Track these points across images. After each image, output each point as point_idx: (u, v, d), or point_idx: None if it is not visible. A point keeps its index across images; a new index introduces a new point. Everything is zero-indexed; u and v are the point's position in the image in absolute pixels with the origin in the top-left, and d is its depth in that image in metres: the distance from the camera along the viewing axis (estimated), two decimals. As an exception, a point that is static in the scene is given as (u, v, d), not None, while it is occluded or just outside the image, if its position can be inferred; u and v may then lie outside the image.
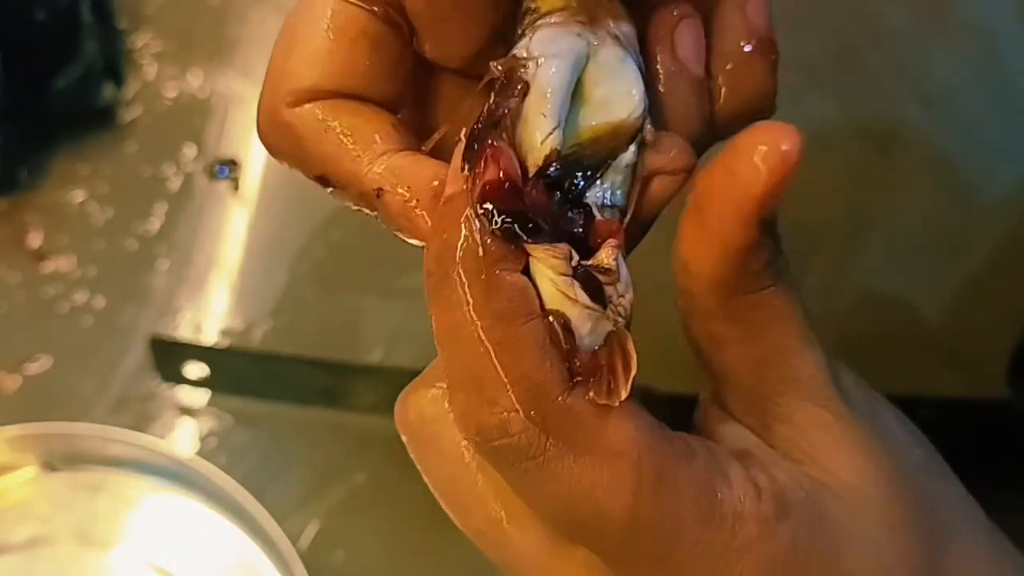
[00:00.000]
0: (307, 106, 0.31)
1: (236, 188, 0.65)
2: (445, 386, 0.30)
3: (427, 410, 0.30)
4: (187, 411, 0.60)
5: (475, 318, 0.27)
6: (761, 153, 0.26)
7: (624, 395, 0.27)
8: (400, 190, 0.29)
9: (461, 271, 0.27)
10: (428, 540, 0.57)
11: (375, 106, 0.31)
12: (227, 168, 0.65)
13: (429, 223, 0.29)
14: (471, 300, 0.27)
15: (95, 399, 0.60)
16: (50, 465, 0.57)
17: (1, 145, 0.62)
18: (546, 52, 0.28)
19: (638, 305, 0.28)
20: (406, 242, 0.30)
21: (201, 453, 0.59)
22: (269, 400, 0.60)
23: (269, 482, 0.58)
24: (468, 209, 0.27)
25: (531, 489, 0.28)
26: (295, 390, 0.59)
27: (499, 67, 0.28)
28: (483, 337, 0.27)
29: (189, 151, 0.66)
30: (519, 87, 0.28)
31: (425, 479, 0.32)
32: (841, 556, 0.29)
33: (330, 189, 0.31)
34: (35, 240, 0.64)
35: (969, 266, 0.65)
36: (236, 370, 0.60)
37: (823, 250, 0.65)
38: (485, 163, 0.27)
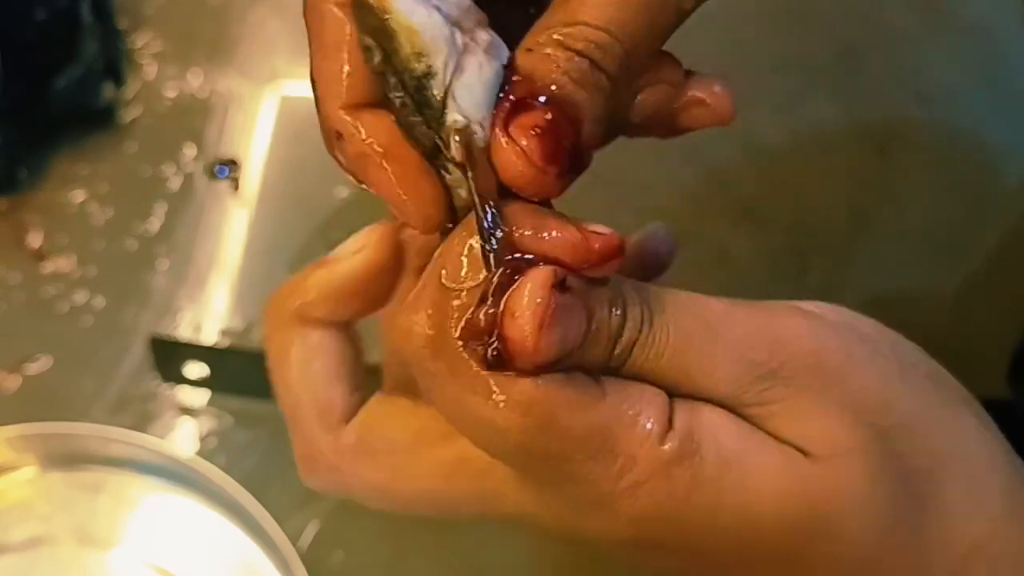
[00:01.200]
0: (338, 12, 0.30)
1: (236, 188, 0.65)
2: None
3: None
4: (187, 411, 0.60)
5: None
6: None
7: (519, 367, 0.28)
8: (356, 143, 0.30)
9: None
10: (427, 540, 0.57)
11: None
12: (227, 168, 0.66)
13: (387, 174, 0.30)
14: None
15: (95, 399, 0.60)
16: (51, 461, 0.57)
17: (1, 145, 0.62)
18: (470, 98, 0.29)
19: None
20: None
21: (201, 453, 0.59)
22: (269, 400, 0.60)
23: (269, 482, 0.58)
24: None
25: (433, 396, 0.30)
26: (295, 390, 0.59)
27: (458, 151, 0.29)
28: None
29: (189, 151, 0.66)
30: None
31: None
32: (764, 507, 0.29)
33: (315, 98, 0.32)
34: (35, 240, 0.64)
35: (969, 266, 0.65)
36: (236, 370, 0.60)
37: (823, 250, 0.65)
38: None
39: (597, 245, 0.28)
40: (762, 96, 0.66)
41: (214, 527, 0.56)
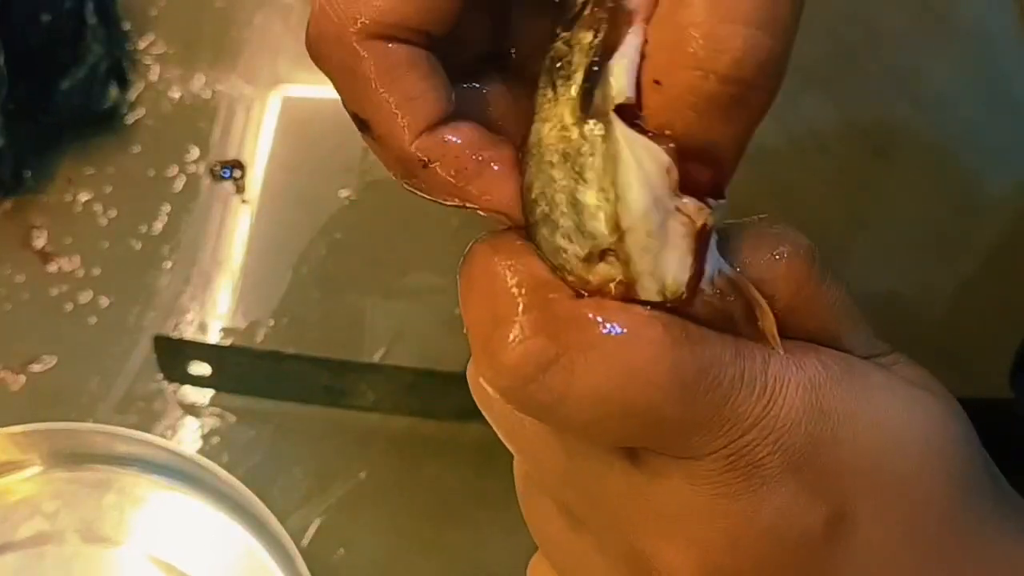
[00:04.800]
0: (378, 43, 0.28)
1: (239, 189, 0.66)
2: None
3: None
4: (191, 409, 0.60)
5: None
6: None
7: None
8: (449, 163, 0.28)
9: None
10: (429, 537, 0.58)
11: (432, 58, 0.29)
12: (230, 169, 0.66)
13: (475, 191, 0.29)
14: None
15: (100, 398, 0.61)
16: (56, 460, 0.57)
17: (6, 146, 0.63)
18: None
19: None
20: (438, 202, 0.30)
21: (204, 451, 0.59)
22: (272, 398, 0.60)
23: (272, 480, 0.58)
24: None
25: (569, 405, 0.27)
26: (298, 389, 0.60)
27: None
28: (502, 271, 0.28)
29: (193, 152, 0.66)
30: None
31: None
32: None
33: (366, 136, 0.29)
34: (40, 240, 0.64)
35: (967, 267, 0.65)
36: (239, 369, 0.61)
37: (820, 251, 0.65)
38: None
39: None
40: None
41: (218, 524, 0.56)
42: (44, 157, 0.65)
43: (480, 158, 0.29)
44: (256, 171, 0.66)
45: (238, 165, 0.66)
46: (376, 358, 0.61)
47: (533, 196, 0.28)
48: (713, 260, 0.28)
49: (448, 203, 0.29)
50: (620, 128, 0.27)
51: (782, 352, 0.28)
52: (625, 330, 0.27)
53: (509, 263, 0.28)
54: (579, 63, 0.27)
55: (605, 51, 0.27)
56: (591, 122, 0.27)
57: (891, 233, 0.66)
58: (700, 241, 0.27)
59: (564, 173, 0.27)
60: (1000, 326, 0.62)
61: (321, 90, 0.68)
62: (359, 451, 0.59)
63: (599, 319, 0.27)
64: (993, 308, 0.64)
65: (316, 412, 0.59)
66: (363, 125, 0.28)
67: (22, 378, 0.61)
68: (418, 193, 0.29)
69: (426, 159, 0.28)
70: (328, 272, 0.63)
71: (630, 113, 0.27)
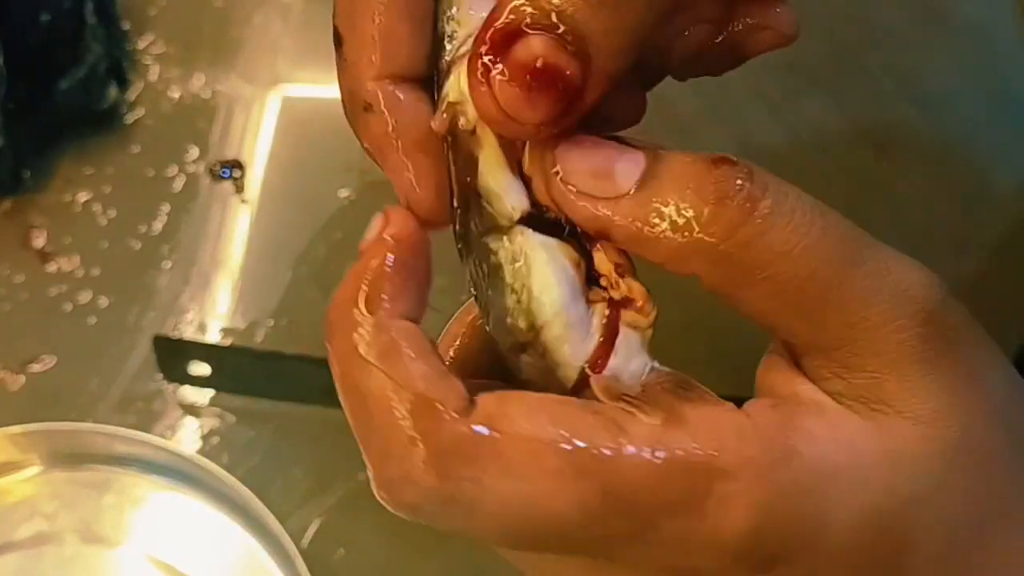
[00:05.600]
0: None
1: (239, 189, 0.66)
2: None
3: None
4: (190, 410, 0.60)
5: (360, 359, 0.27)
6: None
7: None
8: (390, 119, 0.28)
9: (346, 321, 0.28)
10: (429, 538, 0.58)
11: (427, 26, 0.28)
12: (230, 169, 0.66)
13: (396, 162, 0.28)
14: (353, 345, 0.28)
15: (99, 398, 0.60)
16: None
17: (6, 146, 0.63)
18: None
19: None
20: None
21: (204, 451, 0.59)
22: (271, 399, 0.60)
23: (271, 480, 0.58)
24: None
25: (474, 524, 0.26)
26: (297, 389, 0.60)
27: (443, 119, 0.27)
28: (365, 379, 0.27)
29: (192, 152, 0.66)
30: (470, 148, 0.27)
31: None
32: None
33: (337, 55, 0.29)
34: (39, 240, 0.64)
35: (967, 267, 0.65)
36: (239, 369, 0.61)
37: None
38: None
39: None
40: (760, 97, 0.67)
41: (217, 525, 0.56)
42: (43, 157, 0.65)
43: (419, 138, 0.28)
44: (256, 171, 0.66)
45: (238, 165, 0.66)
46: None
47: (467, 278, 0.29)
48: (640, 358, 0.28)
49: (374, 160, 0.29)
50: (526, 235, 0.27)
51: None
52: (518, 462, 0.25)
53: (390, 383, 0.27)
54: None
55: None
56: (498, 238, 0.28)
57: (892, 232, 0.65)
58: (613, 320, 0.27)
59: (479, 273, 0.28)
60: (1001, 326, 0.62)
61: (321, 90, 0.68)
62: (359, 451, 0.59)
63: (491, 448, 0.25)
64: (994, 307, 0.64)
65: (316, 412, 0.59)
66: (338, 41, 0.28)
67: (21, 378, 0.61)
68: (358, 139, 0.29)
69: (371, 103, 0.28)
70: (328, 272, 0.63)
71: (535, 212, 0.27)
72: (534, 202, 0.28)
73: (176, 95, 0.68)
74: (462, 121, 0.27)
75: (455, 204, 0.29)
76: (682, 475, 0.25)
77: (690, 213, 0.26)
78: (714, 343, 0.53)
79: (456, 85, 0.27)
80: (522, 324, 0.27)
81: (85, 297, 0.63)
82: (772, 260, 0.26)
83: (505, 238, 0.28)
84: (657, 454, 0.25)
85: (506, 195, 0.27)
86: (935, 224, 0.66)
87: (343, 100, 0.29)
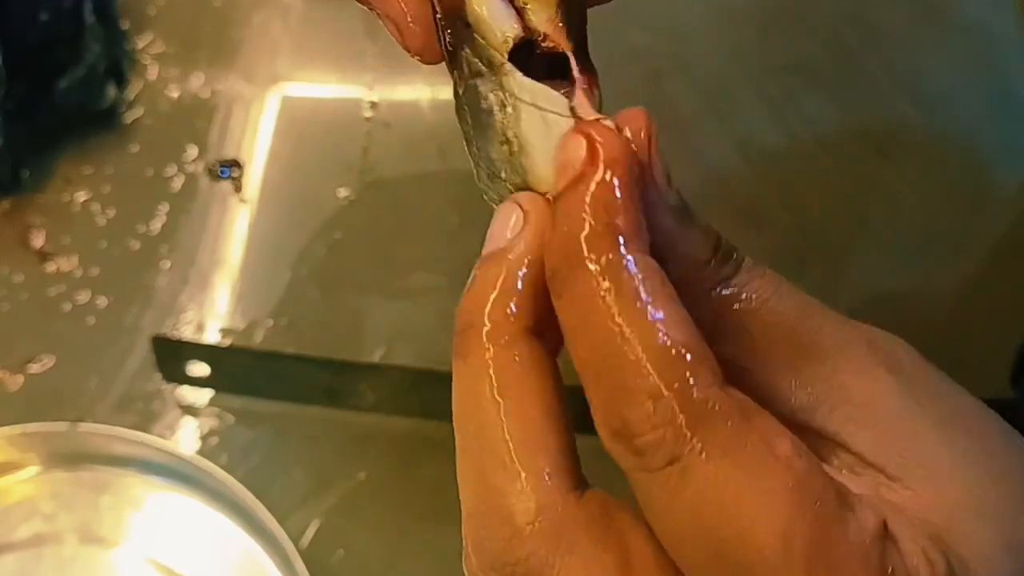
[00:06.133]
0: None
1: (238, 188, 0.66)
2: None
3: None
4: (189, 410, 0.60)
5: (612, 305, 0.25)
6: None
7: None
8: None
9: (591, 261, 0.25)
10: (428, 539, 0.58)
11: None
12: (229, 169, 0.66)
13: (417, 40, 0.28)
14: (606, 288, 0.25)
15: (98, 398, 0.60)
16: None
17: (5, 146, 0.63)
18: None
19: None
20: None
21: (203, 452, 0.59)
22: (271, 399, 0.60)
23: (270, 481, 0.58)
24: (587, 199, 0.26)
25: (668, 505, 0.25)
26: (296, 389, 0.60)
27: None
28: (621, 323, 0.25)
29: (191, 152, 0.66)
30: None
31: None
32: None
33: None
34: (38, 240, 0.64)
35: (968, 267, 0.65)
36: (238, 369, 0.61)
37: (821, 251, 0.65)
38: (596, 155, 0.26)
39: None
40: (760, 97, 0.67)
41: (216, 526, 0.56)
42: (42, 156, 0.65)
43: None
44: (255, 170, 0.66)
45: (237, 164, 0.66)
46: (376, 358, 0.61)
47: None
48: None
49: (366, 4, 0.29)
50: (517, 78, 0.27)
51: None
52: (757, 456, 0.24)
53: (652, 324, 0.25)
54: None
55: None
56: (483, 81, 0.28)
57: (892, 232, 0.66)
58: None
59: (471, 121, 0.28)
60: (1001, 326, 0.62)
61: (320, 89, 0.68)
62: (359, 452, 0.59)
63: (738, 429, 0.24)
64: (994, 307, 0.64)
65: (315, 413, 0.59)
66: None
67: (20, 378, 0.61)
68: None
69: None
70: (327, 272, 0.63)
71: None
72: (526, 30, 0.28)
73: (175, 95, 0.68)
74: None
75: (447, 42, 0.28)
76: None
77: None
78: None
79: None
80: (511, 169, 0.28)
81: (84, 297, 0.63)
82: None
83: (494, 82, 0.27)
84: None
85: (496, 22, 0.27)
86: (936, 223, 0.66)
87: None
